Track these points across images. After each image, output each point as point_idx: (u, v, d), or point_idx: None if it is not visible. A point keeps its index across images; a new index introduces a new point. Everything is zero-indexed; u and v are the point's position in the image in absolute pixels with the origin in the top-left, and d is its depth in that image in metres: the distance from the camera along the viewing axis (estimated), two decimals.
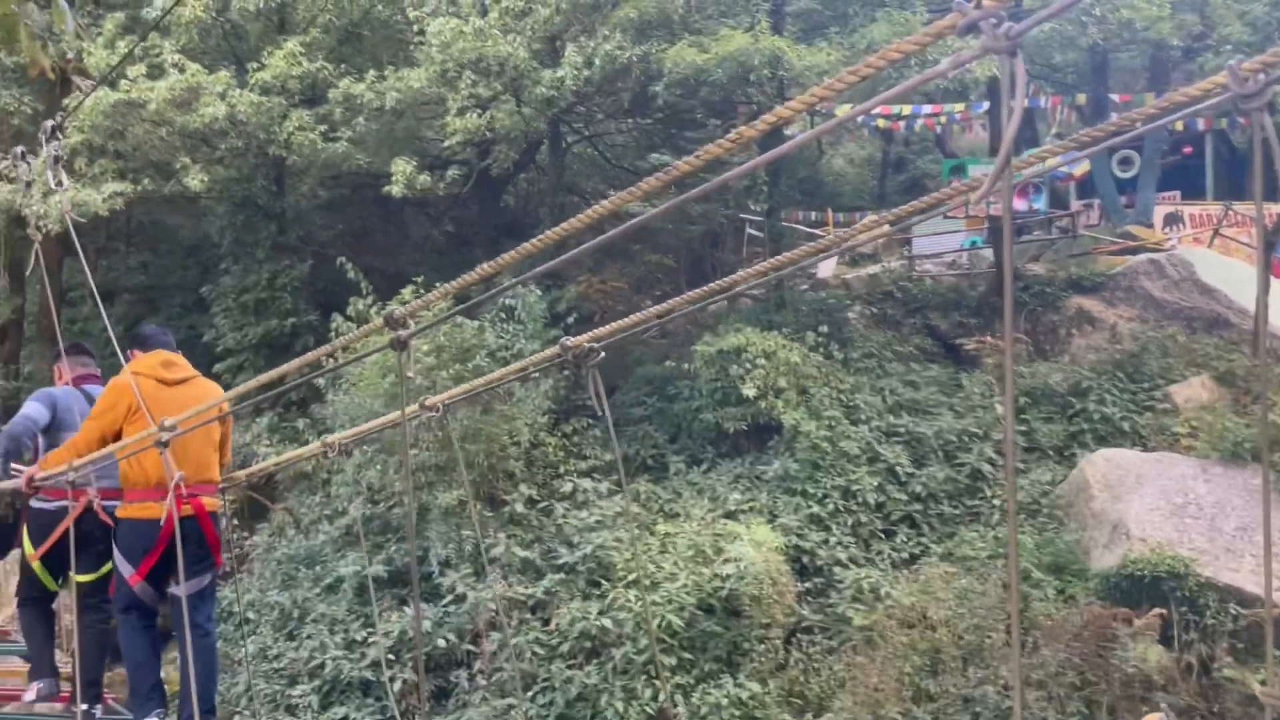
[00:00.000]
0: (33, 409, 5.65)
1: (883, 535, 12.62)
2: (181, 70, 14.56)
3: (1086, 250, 18.18)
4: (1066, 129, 21.24)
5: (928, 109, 20.59)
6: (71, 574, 5.22)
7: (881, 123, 22.25)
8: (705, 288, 3.20)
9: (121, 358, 5.36)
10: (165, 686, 5.46)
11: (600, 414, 3.22)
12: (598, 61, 14.39)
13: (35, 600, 5.91)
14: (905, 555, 12.47)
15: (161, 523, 4.76)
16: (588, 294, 17.40)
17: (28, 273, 16.33)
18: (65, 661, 6.55)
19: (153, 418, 4.67)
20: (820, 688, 10.86)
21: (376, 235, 22.03)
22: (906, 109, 20.54)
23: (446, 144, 15.49)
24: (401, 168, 14.69)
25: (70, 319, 20.15)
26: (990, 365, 14.71)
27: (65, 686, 6.21)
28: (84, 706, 5.21)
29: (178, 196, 17.07)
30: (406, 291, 13.82)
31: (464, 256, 20.69)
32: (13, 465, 5.51)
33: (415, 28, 15.85)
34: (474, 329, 13.34)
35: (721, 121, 19.05)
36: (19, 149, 6.40)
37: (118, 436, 4.88)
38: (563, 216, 17.68)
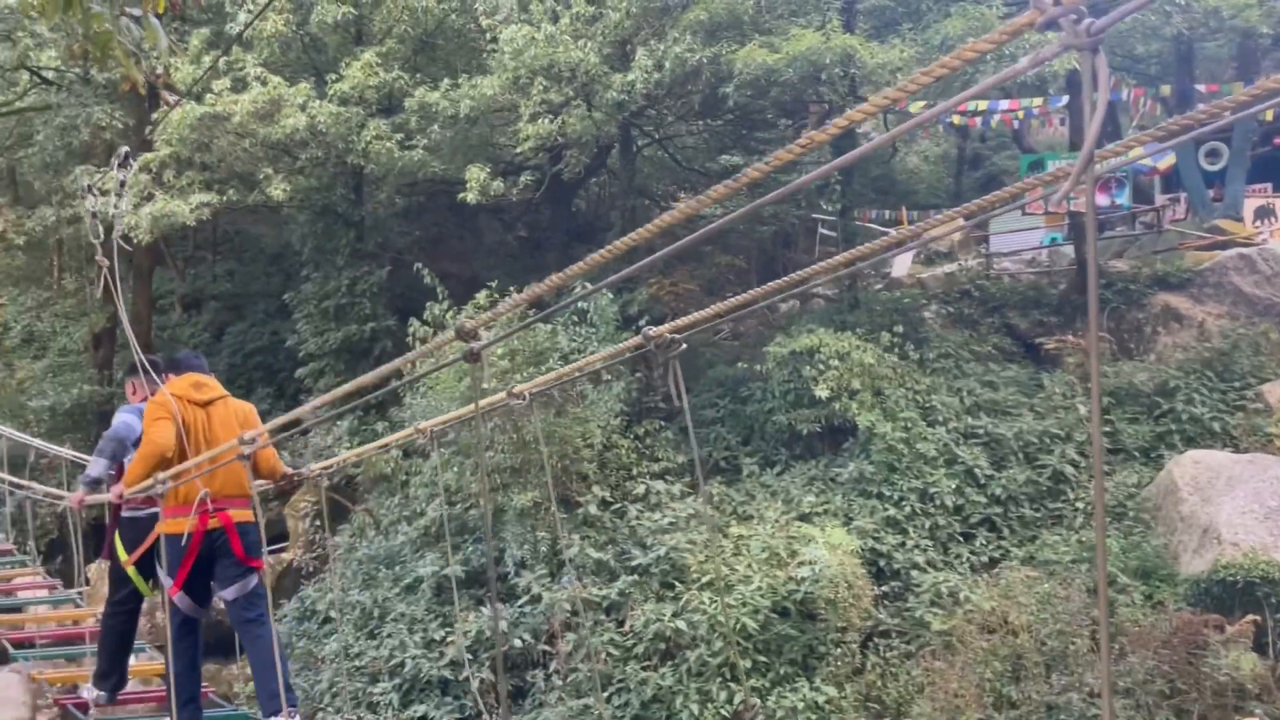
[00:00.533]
0: (130, 418, 5.94)
1: (961, 538, 12.40)
2: (264, 83, 14.97)
3: (1172, 245, 17.64)
4: (1149, 121, 20.63)
5: (1004, 104, 20.17)
6: (163, 577, 5.40)
7: (957, 119, 21.84)
8: (784, 279, 3.19)
9: (159, 373, 5.67)
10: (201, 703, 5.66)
11: (678, 405, 3.25)
12: (668, 64, 14.42)
13: (124, 609, 6.15)
14: (985, 559, 12.24)
15: (189, 536, 5.00)
16: (659, 296, 17.43)
17: (96, 283, 16.90)
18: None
19: (186, 436, 5.01)
20: (898, 693, 10.71)
21: (451, 241, 22.38)
22: (982, 104, 20.15)
23: (519, 150, 15.67)
24: (475, 174, 14.91)
25: (160, 325, 20.88)
26: (1072, 365, 14.36)
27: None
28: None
29: (261, 206, 17.57)
30: (481, 296, 14.02)
31: (536, 261, 20.91)
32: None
33: (488, 36, 16.07)
34: (547, 332, 13.47)
35: (792, 121, 18.95)
36: (124, 149, 6.63)
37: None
38: (634, 219, 17.85)
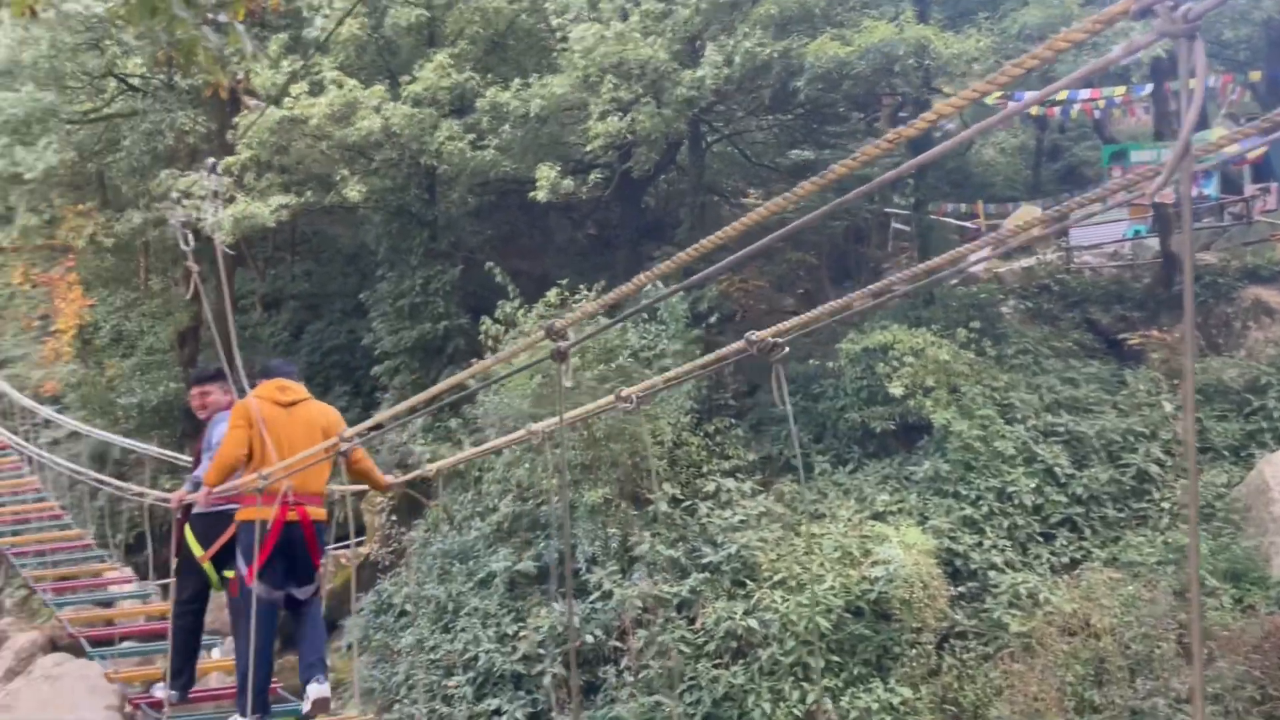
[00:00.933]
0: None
1: (1041, 539, 12.12)
2: (340, 86, 15.26)
3: (1263, 237, 16.99)
4: (1238, 109, 19.91)
5: (1085, 93, 19.60)
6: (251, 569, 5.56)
7: (1035, 109, 21.35)
8: (889, 279, 3.14)
9: (241, 374, 5.87)
10: (269, 695, 5.84)
11: (782, 408, 3.24)
12: (738, 59, 14.34)
13: (191, 609, 6.43)
14: (1065, 560, 11.95)
15: (269, 525, 5.35)
16: (729, 293, 17.36)
17: (181, 287, 17.44)
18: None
19: (268, 435, 5.39)
20: (976, 695, 10.52)
21: (522, 239, 22.57)
22: (1062, 94, 19.64)
23: (589, 148, 15.73)
24: (545, 173, 15.00)
25: (241, 325, 21.42)
26: (1156, 361, 13.94)
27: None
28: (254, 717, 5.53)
29: (337, 207, 17.94)
30: (551, 294, 14.12)
31: (606, 259, 20.99)
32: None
33: (558, 35, 16.17)
34: (617, 330, 13.50)
35: (864, 114, 18.71)
36: (211, 160, 6.88)
37: (250, 450, 5.50)
38: (703, 216, 17.79)
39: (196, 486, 6.17)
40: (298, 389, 5.80)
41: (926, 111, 2.38)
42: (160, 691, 6.59)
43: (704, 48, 15.15)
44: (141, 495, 10.45)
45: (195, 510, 6.12)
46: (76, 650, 14.83)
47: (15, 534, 14.01)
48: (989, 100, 15.16)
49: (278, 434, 5.44)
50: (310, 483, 5.58)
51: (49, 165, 17.20)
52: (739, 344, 3.44)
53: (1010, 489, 12.28)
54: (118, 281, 22.93)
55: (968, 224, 19.93)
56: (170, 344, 20.43)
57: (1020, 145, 25.13)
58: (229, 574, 6.05)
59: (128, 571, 13.32)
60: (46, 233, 19.59)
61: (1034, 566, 11.74)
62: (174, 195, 15.62)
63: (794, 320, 3.48)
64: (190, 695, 6.67)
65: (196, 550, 6.12)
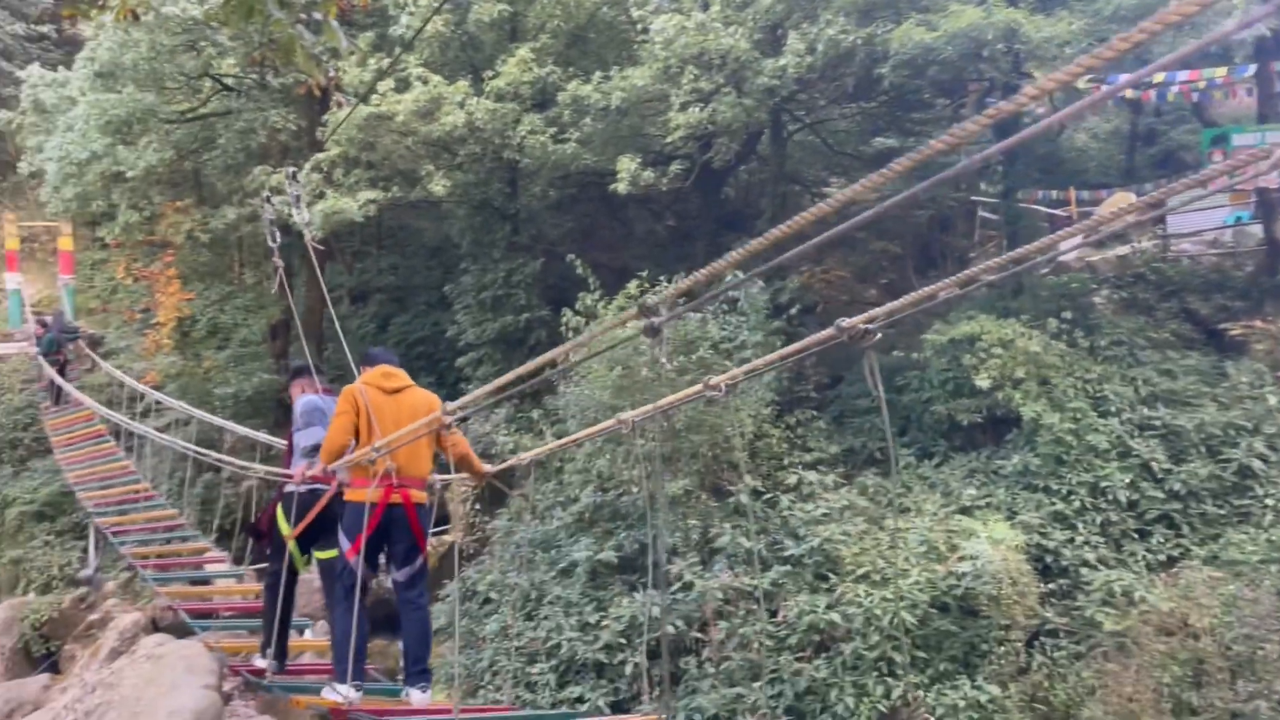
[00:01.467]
0: (314, 397, 6.69)
1: (1136, 535, 11.74)
2: (425, 82, 15.51)
3: None
4: None
5: (1183, 75, 18.86)
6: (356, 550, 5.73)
7: (1129, 92, 20.62)
8: (982, 266, 3.06)
9: (354, 364, 6.36)
10: (366, 663, 6.03)
11: (875, 395, 3.20)
12: (820, 47, 14.16)
13: (285, 582, 6.66)
14: (1162, 557, 11.55)
15: (375, 505, 5.52)
16: (810, 284, 17.19)
17: (262, 281, 17.87)
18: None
19: (376, 420, 5.62)
20: (1067, 695, 10.25)
21: (602, 232, 22.68)
22: (1159, 76, 18.93)
23: (669, 139, 15.72)
24: (626, 165, 15.03)
25: (330, 317, 21.96)
26: (1260, 352, 13.38)
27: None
28: (353, 684, 5.72)
29: (422, 201, 18.25)
30: (632, 285, 14.15)
31: (686, 250, 20.94)
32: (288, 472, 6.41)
33: (638, 27, 16.18)
34: (697, 321, 13.48)
35: (950, 101, 18.31)
36: (290, 170, 7.12)
37: (356, 435, 5.72)
38: (784, 206, 17.64)
39: (315, 452, 6.33)
40: (402, 376, 5.99)
41: (1015, 96, 2.32)
42: (261, 660, 6.90)
43: (786, 36, 14.99)
44: (247, 469, 10.81)
45: (287, 489, 6.40)
46: (177, 631, 15.40)
47: (119, 514, 14.60)
48: (1081, 84, 14.72)
49: (384, 419, 5.64)
50: (414, 466, 5.76)
51: (149, 164, 17.86)
52: (829, 331, 3.40)
53: (1104, 484, 11.92)
54: (213, 276, 23.71)
55: (1058, 211, 19.37)
56: (263, 336, 21.03)
57: (1114, 130, 24.32)
58: (320, 555, 6.37)
59: (223, 554, 13.78)
60: (147, 229, 20.36)
61: (1129, 564, 11.38)
62: (264, 193, 16.09)
63: (885, 307, 3.43)
64: (287, 668, 6.94)
65: (285, 528, 6.41)
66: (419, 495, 5.83)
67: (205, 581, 11.95)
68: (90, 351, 22.14)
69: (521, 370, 3.88)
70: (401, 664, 6.06)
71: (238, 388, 20.00)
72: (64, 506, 19.17)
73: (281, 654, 6.81)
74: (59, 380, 20.12)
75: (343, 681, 5.68)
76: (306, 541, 6.45)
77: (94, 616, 16.50)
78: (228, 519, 17.22)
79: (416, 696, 5.82)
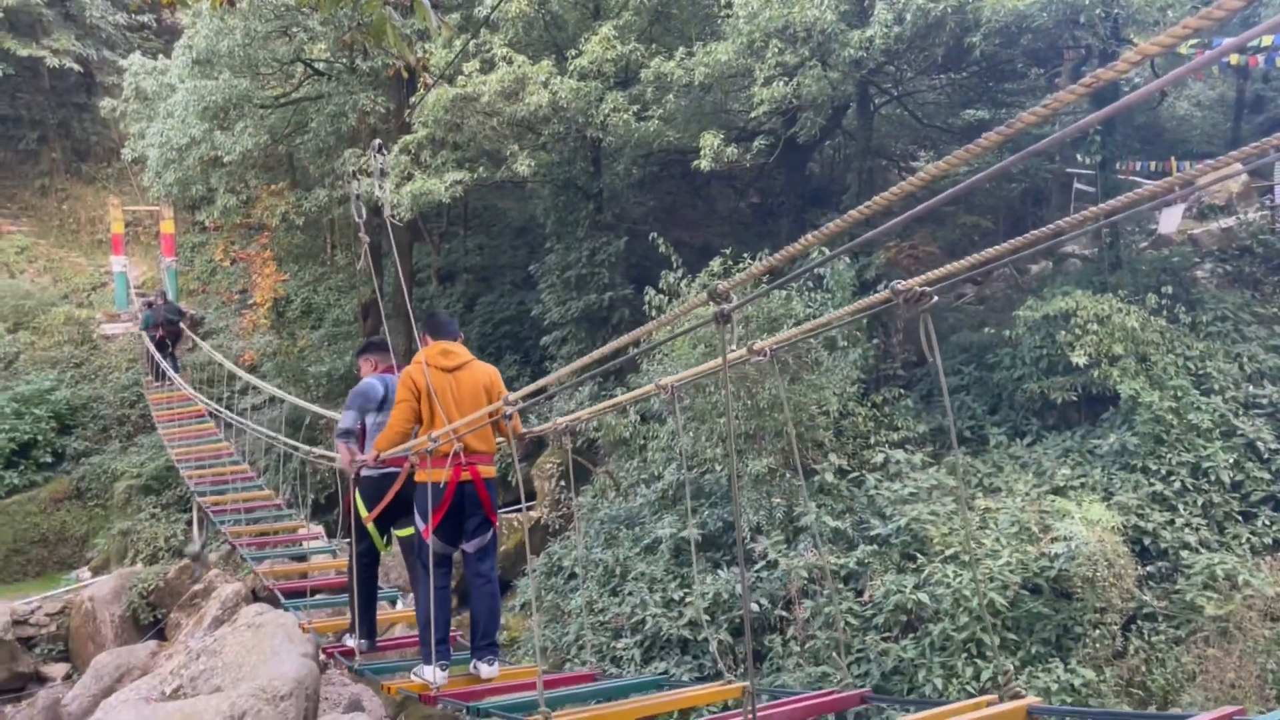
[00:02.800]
0: (374, 380, 6.82)
1: (1240, 518, 11.31)
2: (509, 62, 15.60)
3: None
4: None
5: None
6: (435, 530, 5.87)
7: (1235, 58, 19.68)
8: (1043, 229, 2.97)
9: (418, 342, 6.26)
10: (451, 642, 6.13)
11: (930, 360, 3.13)
12: (909, 17, 13.83)
13: (364, 562, 6.88)
14: (1268, 540, 11.11)
15: (445, 484, 5.70)
16: (897, 260, 16.90)
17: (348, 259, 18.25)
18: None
19: (439, 400, 5.76)
20: (1165, 680, 9.95)
21: (685, 210, 22.63)
22: (1267, 39, 18.04)
23: (753, 115, 15.55)
24: (709, 141, 14.92)
25: (419, 297, 22.39)
26: None
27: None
28: (438, 664, 5.88)
29: (507, 182, 18.42)
30: (715, 263, 14.08)
31: (769, 227, 20.78)
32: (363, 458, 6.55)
33: (722, 1, 16.01)
34: (781, 298, 13.35)
35: (1044, 70, 17.75)
36: (377, 142, 7.24)
37: (419, 417, 5.85)
38: (870, 181, 17.33)
39: (348, 435, 6.63)
40: (461, 351, 6.04)
41: (1113, 63, 2.23)
42: (351, 641, 7.06)
43: (873, 6, 14.67)
44: (330, 459, 11.13)
45: (364, 473, 6.54)
46: (275, 600, 15.98)
47: (217, 494, 15.16)
48: (1183, 49, 14.13)
49: (446, 400, 5.78)
50: (479, 442, 5.88)
51: (245, 148, 18.38)
52: (883, 294, 3.33)
53: (1206, 464, 11.50)
54: (307, 257, 24.35)
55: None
56: (354, 316, 21.54)
57: (1219, 97, 23.30)
58: (399, 533, 6.57)
59: (318, 529, 14.21)
60: (243, 212, 20.99)
61: (1232, 547, 10.97)
62: (351, 170, 16.44)
63: (942, 269, 3.35)
64: (377, 644, 7.12)
65: (362, 511, 6.59)
66: (487, 471, 5.96)
67: (302, 558, 12.34)
68: (190, 332, 22.99)
69: (595, 355, 3.90)
70: (472, 635, 6.15)
71: (331, 366, 20.58)
72: (169, 481, 20.00)
73: (370, 632, 7.00)
74: (159, 358, 20.94)
75: (428, 662, 5.81)
76: (385, 522, 6.63)
77: (198, 586, 17.21)
78: (322, 494, 17.77)
79: (485, 670, 5.94)
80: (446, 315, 6.72)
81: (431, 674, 5.76)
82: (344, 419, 6.68)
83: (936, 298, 3.10)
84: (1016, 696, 3.30)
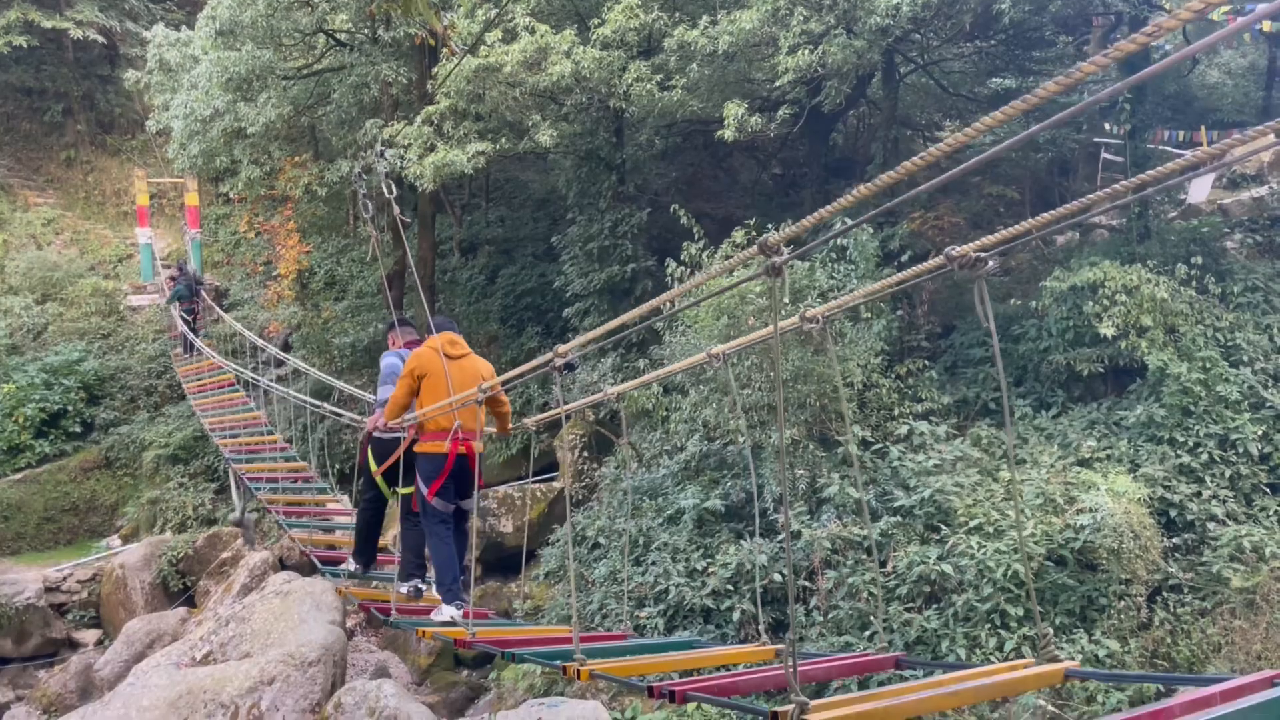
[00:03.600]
0: (394, 360, 7.89)
1: (1268, 490, 11.24)
2: (531, 32, 15.52)
3: None
4: None
5: None
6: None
7: (1268, 25, 19.33)
8: (1106, 190, 2.93)
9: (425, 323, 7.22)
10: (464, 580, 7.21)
11: (986, 327, 3.12)
12: None
13: (372, 506, 8.19)
14: None
15: (446, 455, 6.77)
16: (921, 231, 16.76)
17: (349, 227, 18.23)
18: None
19: (439, 381, 6.72)
20: (1191, 651, 9.94)
21: (706, 181, 22.52)
22: None
23: (777, 84, 15.42)
24: (733, 110, 14.82)
25: (441, 269, 22.43)
26: None
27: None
28: (412, 583, 7.37)
29: (529, 153, 18.37)
30: (738, 234, 14.04)
31: (791, 199, 20.66)
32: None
33: None
34: (805, 270, 13.30)
35: (1073, 38, 17.50)
36: (380, 146, 7.45)
37: (417, 392, 6.88)
38: (895, 151, 17.17)
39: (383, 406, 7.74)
40: (463, 344, 7.15)
41: (1143, 30, 2.19)
42: (350, 566, 8.46)
43: None
44: (317, 406, 12.18)
45: (375, 435, 7.75)
46: (302, 569, 16.16)
47: (249, 461, 15.30)
48: (1215, 16, 13.91)
49: (448, 381, 6.78)
50: (471, 422, 6.96)
51: (268, 119, 18.39)
52: (938, 259, 3.31)
53: (1234, 436, 11.42)
54: (330, 229, 24.40)
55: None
56: (377, 288, 21.61)
57: (1250, 65, 22.91)
58: (401, 490, 7.60)
59: (345, 501, 14.34)
60: (267, 184, 21.02)
61: (1259, 519, 10.91)
62: (355, 167, 16.51)
63: (999, 234, 3.32)
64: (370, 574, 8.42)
65: (373, 465, 7.76)
66: (478, 446, 7.06)
67: (330, 530, 12.47)
68: (214, 304, 23.13)
69: (613, 324, 3.95)
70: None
71: (355, 337, 20.67)
72: (196, 450, 20.22)
73: (367, 561, 8.33)
74: (187, 331, 21.10)
75: (448, 603, 6.83)
76: (391, 479, 7.73)
77: (225, 554, 17.43)
78: (347, 464, 17.91)
79: (449, 611, 6.87)
80: (444, 317, 7.99)
81: (450, 612, 6.79)
82: (382, 393, 7.73)
83: (992, 263, 3.09)
84: (1054, 660, 3.32)
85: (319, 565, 10.07)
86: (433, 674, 14.49)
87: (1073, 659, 9.47)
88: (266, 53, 18.38)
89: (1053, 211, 2.99)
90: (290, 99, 19.24)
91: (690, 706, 10.88)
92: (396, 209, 9.60)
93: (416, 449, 6.93)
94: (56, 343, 22.96)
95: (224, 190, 24.50)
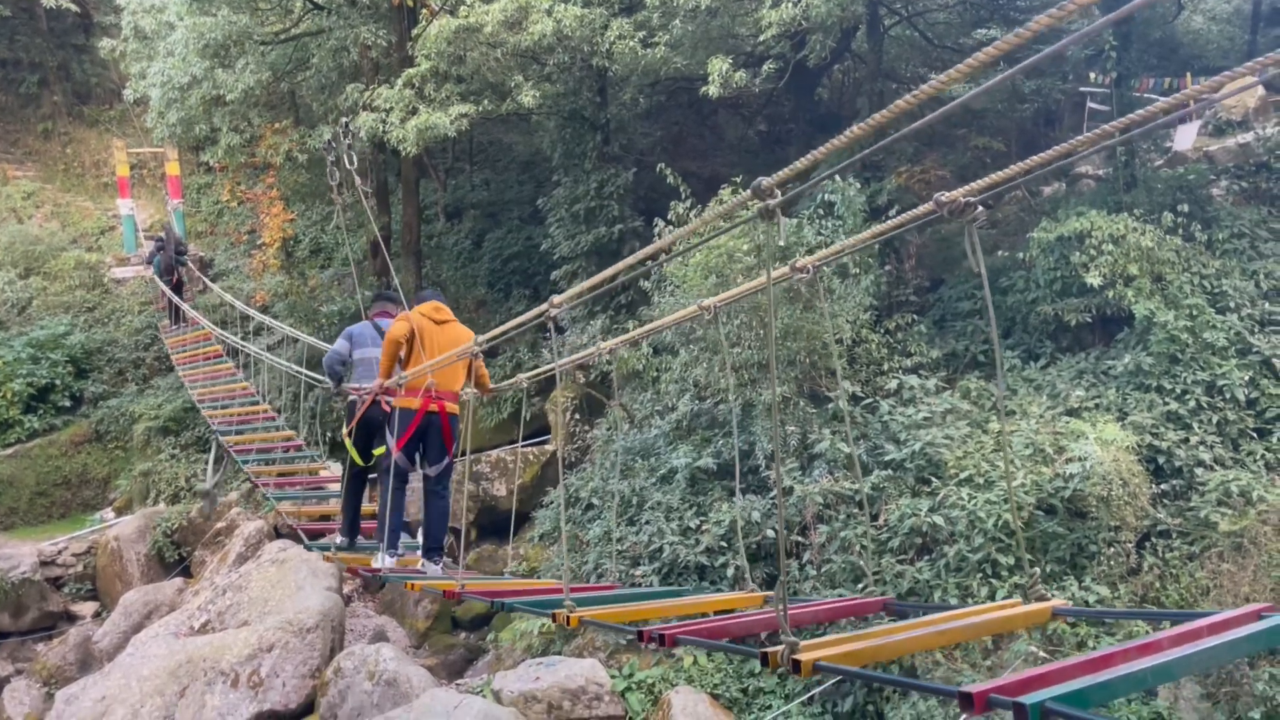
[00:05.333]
0: (338, 345, 8.42)
1: (1254, 435, 11.33)
2: None
3: None
4: None
5: None
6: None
7: None
8: (1091, 134, 2.91)
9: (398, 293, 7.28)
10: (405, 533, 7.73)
11: (977, 273, 3.12)
12: None
13: (356, 481, 8.54)
14: None
15: (415, 411, 7.05)
16: (908, 185, 16.70)
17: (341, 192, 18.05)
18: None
19: (424, 344, 7.05)
20: (1179, 595, 10.07)
21: (692, 139, 22.38)
22: None
23: (761, 39, 15.26)
24: (717, 66, 14.68)
25: (427, 234, 22.29)
26: None
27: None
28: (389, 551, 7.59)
29: (512, 115, 18.19)
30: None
31: (777, 155, 20.55)
32: (351, 386, 8.22)
33: None
34: (791, 226, 13.26)
35: None
36: (344, 120, 7.67)
37: (405, 357, 7.18)
38: (881, 104, 17.03)
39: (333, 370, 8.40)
40: (447, 311, 7.47)
41: None
42: (338, 538, 8.72)
43: None
44: (296, 374, 12.46)
45: (350, 398, 8.16)
46: (297, 537, 16.22)
47: (237, 434, 15.28)
48: None
49: (431, 344, 7.10)
50: (450, 383, 7.21)
51: (247, 86, 18.14)
52: (928, 206, 3.31)
53: (1221, 383, 11.49)
54: (313, 196, 24.19)
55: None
56: (363, 254, 21.48)
57: (1235, 10, 22.78)
58: (376, 451, 7.91)
59: (335, 468, 14.35)
60: (248, 151, 20.79)
61: (1246, 464, 11.00)
62: (325, 138, 16.38)
63: (987, 178, 3.32)
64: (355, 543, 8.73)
65: (343, 429, 8.17)
66: (452, 407, 7.29)
67: (322, 500, 12.50)
68: (200, 274, 22.96)
69: (606, 273, 3.94)
70: (422, 540, 7.53)
71: (342, 305, 20.59)
72: (186, 421, 20.18)
73: (350, 533, 8.61)
74: (176, 300, 20.96)
75: (384, 549, 7.34)
76: (365, 442, 8.07)
77: (220, 524, 17.46)
78: (339, 432, 17.90)
79: (430, 569, 7.26)
80: (431, 289, 8.18)
81: (381, 560, 7.30)
82: (332, 353, 8.33)
83: (981, 208, 3.08)
84: (1041, 599, 3.37)
85: (304, 539, 10.22)
86: (431, 637, 14.61)
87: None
88: (243, 17, 18.11)
89: (1039, 155, 2.98)
90: (269, 64, 18.98)
91: (686, 661, 11.00)
92: (359, 180, 10.06)
93: (393, 404, 7.25)
94: (42, 317, 22.80)
95: (205, 159, 24.22)
